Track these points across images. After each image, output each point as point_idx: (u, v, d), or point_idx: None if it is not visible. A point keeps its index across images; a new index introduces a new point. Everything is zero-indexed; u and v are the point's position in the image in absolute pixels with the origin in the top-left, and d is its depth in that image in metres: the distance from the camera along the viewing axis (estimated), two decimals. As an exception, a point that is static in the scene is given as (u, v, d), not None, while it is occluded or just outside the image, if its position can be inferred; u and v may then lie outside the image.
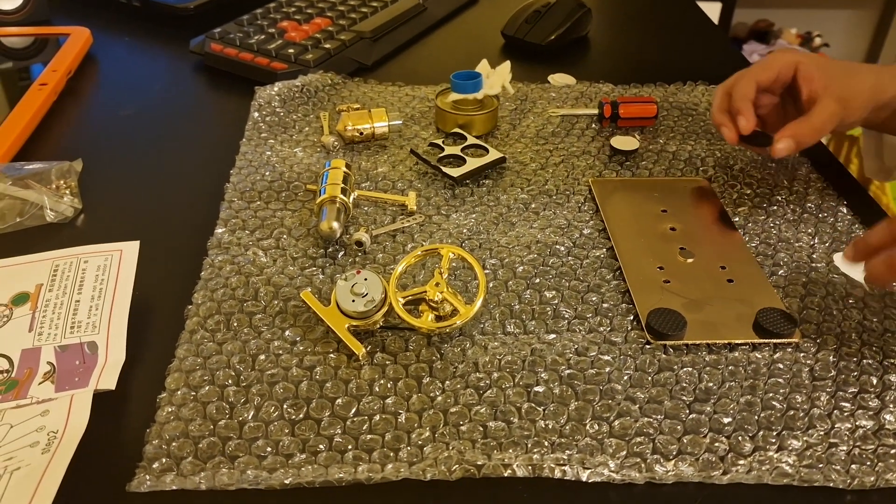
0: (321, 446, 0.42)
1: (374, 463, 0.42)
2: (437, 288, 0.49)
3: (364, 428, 0.44)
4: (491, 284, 0.54)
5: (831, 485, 0.41)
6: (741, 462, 0.42)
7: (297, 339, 0.49)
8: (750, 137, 0.62)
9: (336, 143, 0.69)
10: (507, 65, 0.74)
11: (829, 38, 2.47)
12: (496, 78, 0.73)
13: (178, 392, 0.45)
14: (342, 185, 0.59)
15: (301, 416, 0.44)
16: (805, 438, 0.44)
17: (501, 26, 0.93)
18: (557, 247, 0.57)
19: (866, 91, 0.62)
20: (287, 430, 0.43)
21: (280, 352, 0.48)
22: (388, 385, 0.46)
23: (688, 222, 0.61)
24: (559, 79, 0.83)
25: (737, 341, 0.50)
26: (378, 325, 0.49)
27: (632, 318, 0.51)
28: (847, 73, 0.63)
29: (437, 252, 0.52)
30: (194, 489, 0.40)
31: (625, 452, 0.42)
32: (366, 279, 0.49)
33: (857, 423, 0.45)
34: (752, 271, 0.55)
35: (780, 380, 0.47)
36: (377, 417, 0.44)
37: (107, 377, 0.45)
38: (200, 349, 0.48)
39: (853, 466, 0.42)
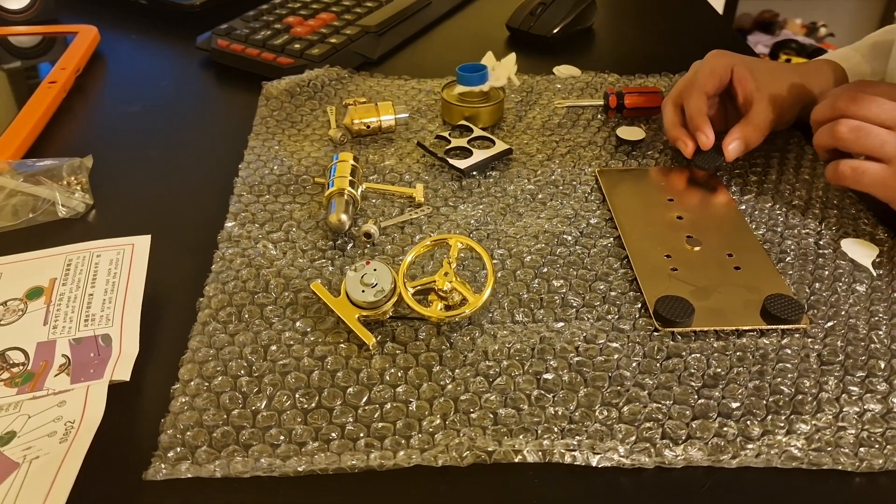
0: (333, 434, 0.43)
1: (385, 450, 0.42)
2: (445, 277, 0.49)
3: (376, 416, 0.44)
4: (499, 274, 0.54)
5: (840, 468, 0.42)
6: (750, 446, 0.42)
7: (308, 329, 0.50)
8: (699, 153, 0.64)
9: (343, 136, 0.70)
10: (512, 56, 0.74)
11: (834, 28, 2.47)
12: (502, 70, 0.73)
13: (192, 383, 0.46)
14: (350, 178, 0.59)
15: (313, 404, 0.45)
16: (813, 422, 0.44)
17: (506, 19, 0.93)
18: (565, 236, 0.58)
19: (794, 91, 0.66)
20: (300, 419, 0.44)
21: (291, 342, 0.49)
22: (399, 374, 0.47)
23: (694, 211, 0.61)
24: (564, 70, 0.83)
25: (744, 328, 0.50)
26: (388, 315, 0.50)
27: (639, 305, 0.52)
28: (774, 75, 0.66)
29: (445, 242, 0.52)
30: (209, 477, 0.41)
31: (634, 437, 0.43)
32: (375, 270, 0.49)
33: (865, 407, 0.45)
34: (759, 258, 0.56)
35: (788, 365, 0.47)
36: (388, 405, 0.45)
37: (121, 369, 0.46)
38: (213, 340, 0.49)
39: (861, 450, 0.42)
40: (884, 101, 0.55)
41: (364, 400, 0.45)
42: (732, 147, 0.63)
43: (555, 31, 0.89)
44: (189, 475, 0.41)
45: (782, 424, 0.44)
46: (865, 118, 0.55)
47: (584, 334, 0.49)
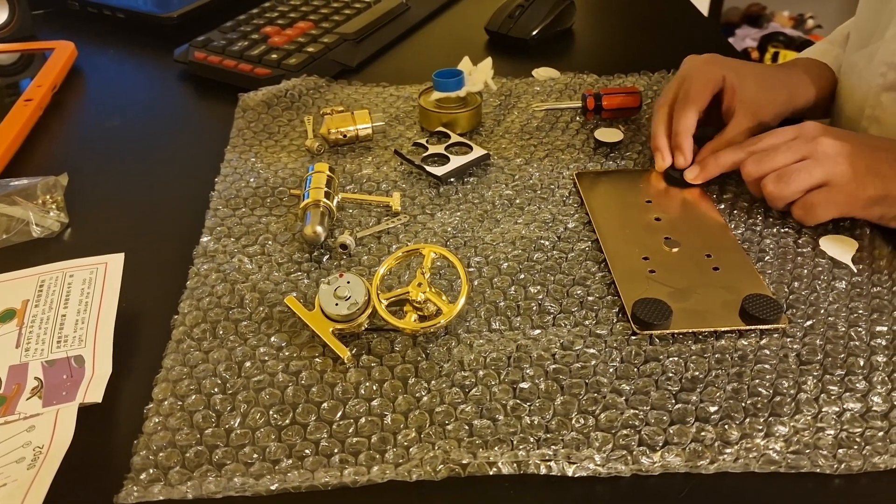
0: (307, 451, 0.42)
1: (360, 465, 0.42)
2: (419, 288, 0.49)
3: (350, 431, 0.44)
4: (476, 282, 0.54)
5: (818, 470, 0.41)
6: (728, 450, 0.42)
7: (283, 344, 0.49)
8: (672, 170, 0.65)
9: (320, 146, 0.69)
10: (488, 61, 0.74)
11: (822, 20, 2.46)
12: (478, 75, 0.73)
13: (166, 402, 0.45)
14: (325, 189, 0.59)
15: (287, 421, 0.44)
16: (792, 424, 0.43)
17: (485, 22, 0.93)
18: (542, 241, 0.57)
19: (779, 106, 0.67)
20: (273, 436, 0.43)
21: (266, 358, 0.48)
22: (374, 387, 0.46)
23: (673, 212, 0.60)
24: (543, 73, 0.83)
25: (723, 329, 0.49)
26: (363, 328, 0.49)
27: (617, 309, 0.51)
28: (763, 87, 0.67)
29: (418, 252, 0.52)
30: (181, 498, 0.40)
31: (611, 445, 0.42)
32: (348, 282, 0.49)
33: (844, 406, 0.45)
34: (737, 258, 0.55)
35: (767, 366, 0.47)
36: (363, 420, 0.44)
37: (94, 390, 0.46)
38: (187, 358, 0.48)
39: (840, 451, 0.42)
40: (779, 146, 0.58)
41: (339, 415, 0.45)
42: (692, 176, 0.63)
43: (533, 33, 0.89)
44: (161, 497, 0.40)
45: (760, 427, 0.43)
46: (778, 169, 0.58)
47: (561, 341, 0.49)
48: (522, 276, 0.54)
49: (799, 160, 0.57)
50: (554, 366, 0.47)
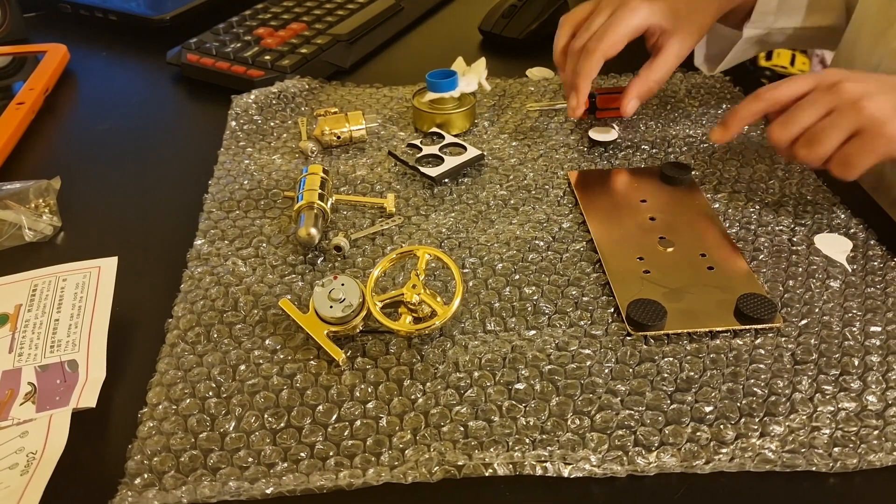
0: (302, 454, 0.42)
1: (355, 468, 0.41)
2: (413, 290, 0.49)
3: (345, 434, 0.43)
4: (471, 283, 0.54)
5: (814, 469, 0.41)
6: (723, 450, 0.42)
7: (278, 347, 0.49)
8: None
9: (314, 148, 0.69)
10: (482, 61, 0.74)
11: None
12: (472, 75, 0.73)
13: (160, 406, 0.45)
14: (319, 191, 0.59)
15: (282, 424, 0.44)
16: (787, 423, 0.44)
17: (478, 22, 0.93)
18: (537, 242, 0.57)
19: (711, 17, 0.67)
20: (268, 440, 0.43)
21: (260, 361, 0.48)
22: (369, 389, 0.46)
23: (667, 211, 0.60)
24: (537, 73, 0.83)
25: (718, 329, 0.49)
26: (358, 330, 0.49)
27: (612, 310, 0.51)
28: (692, 7, 0.66)
29: (413, 253, 0.52)
30: (176, 503, 0.40)
31: (606, 446, 0.42)
32: (343, 284, 0.49)
33: (839, 406, 0.45)
34: (732, 257, 0.55)
35: (762, 365, 0.47)
36: (358, 423, 0.44)
37: (87, 395, 0.45)
38: (181, 362, 0.48)
39: (836, 450, 0.42)
40: (802, 104, 0.55)
41: (334, 417, 0.44)
42: (630, 107, 0.64)
43: (527, 33, 0.89)
44: (156, 502, 0.40)
45: (756, 427, 0.43)
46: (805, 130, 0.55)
47: (556, 342, 0.49)
48: (517, 276, 0.54)
49: (824, 114, 0.54)
50: (549, 367, 0.47)
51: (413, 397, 0.45)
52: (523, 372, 0.47)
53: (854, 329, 0.50)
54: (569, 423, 0.44)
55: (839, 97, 0.53)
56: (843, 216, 0.60)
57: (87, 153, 0.72)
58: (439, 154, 0.67)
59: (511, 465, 0.41)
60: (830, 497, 0.41)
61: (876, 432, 0.43)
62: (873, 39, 0.67)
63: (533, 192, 0.63)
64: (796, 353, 0.48)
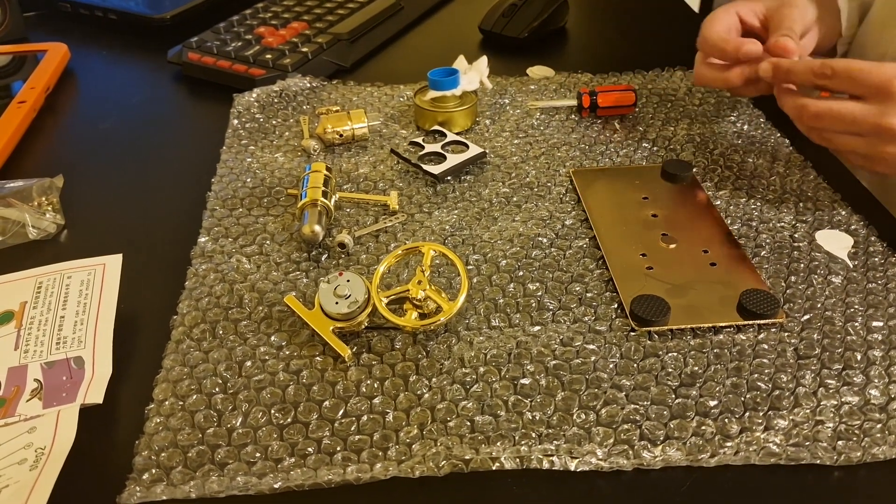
0: (310, 449, 0.42)
1: (362, 463, 0.42)
2: (419, 286, 0.49)
3: (352, 429, 0.44)
4: (475, 280, 0.54)
5: (818, 462, 0.42)
6: (728, 444, 0.42)
7: (283, 343, 0.49)
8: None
9: (316, 146, 0.69)
10: (483, 60, 0.74)
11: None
12: (474, 73, 0.73)
13: (166, 402, 0.45)
14: (323, 188, 0.59)
15: (289, 420, 0.44)
16: (791, 417, 0.44)
17: (479, 21, 0.93)
18: (540, 239, 0.58)
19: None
20: (275, 435, 0.43)
21: (266, 357, 0.48)
22: (375, 385, 0.46)
23: (669, 208, 0.61)
24: (538, 71, 0.83)
25: (721, 324, 0.50)
26: (363, 326, 0.49)
27: (616, 306, 0.52)
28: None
29: (418, 250, 0.52)
30: (184, 498, 0.40)
31: (612, 440, 0.43)
32: (348, 281, 0.49)
33: (842, 400, 0.45)
34: (734, 254, 0.56)
35: (765, 360, 0.47)
36: (365, 418, 0.44)
37: (94, 391, 0.45)
38: (187, 358, 0.48)
39: (840, 443, 0.42)
40: (848, 120, 0.55)
41: (340, 413, 0.45)
42: (764, 68, 0.60)
43: (527, 31, 0.89)
44: (164, 497, 0.40)
45: (760, 421, 0.44)
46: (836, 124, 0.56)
47: (561, 337, 0.49)
48: (521, 273, 0.54)
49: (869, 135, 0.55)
50: (554, 362, 0.47)
51: (419, 392, 0.46)
52: (528, 367, 0.47)
53: (856, 324, 0.50)
54: (574, 417, 0.44)
55: (886, 134, 0.54)
56: (843, 213, 0.60)
57: (89, 151, 0.72)
58: (441, 152, 0.67)
59: (518, 459, 0.42)
60: (836, 490, 0.41)
61: (879, 426, 0.43)
62: (879, 30, 0.67)
63: (535, 189, 0.64)
64: (799, 348, 0.48)
